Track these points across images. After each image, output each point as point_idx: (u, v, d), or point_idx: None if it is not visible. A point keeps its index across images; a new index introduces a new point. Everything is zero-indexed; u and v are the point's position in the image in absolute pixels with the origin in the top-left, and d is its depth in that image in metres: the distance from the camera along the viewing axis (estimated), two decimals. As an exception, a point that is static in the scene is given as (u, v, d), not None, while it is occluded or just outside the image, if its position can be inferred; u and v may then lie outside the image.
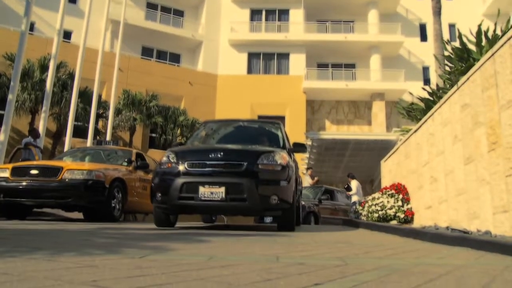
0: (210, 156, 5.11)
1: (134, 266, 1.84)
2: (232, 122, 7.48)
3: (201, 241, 3.42)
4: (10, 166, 7.28)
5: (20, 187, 6.87)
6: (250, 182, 4.85)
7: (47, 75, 13.66)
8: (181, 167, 5.03)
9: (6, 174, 6.98)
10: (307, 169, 16.04)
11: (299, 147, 6.37)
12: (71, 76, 17.01)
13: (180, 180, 4.93)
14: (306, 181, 14.77)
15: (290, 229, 5.38)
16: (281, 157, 5.21)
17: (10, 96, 10.43)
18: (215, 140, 6.67)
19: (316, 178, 14.81)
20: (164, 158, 5.30)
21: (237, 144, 5.96)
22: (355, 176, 13.39)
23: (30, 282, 1.40)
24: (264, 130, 6.92)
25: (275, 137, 6.44)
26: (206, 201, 4.84)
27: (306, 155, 20.35)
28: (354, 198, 12.63)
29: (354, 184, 12.99)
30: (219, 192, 4.82)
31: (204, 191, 4.83)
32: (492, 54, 3.89)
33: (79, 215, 8.20)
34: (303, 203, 11.26)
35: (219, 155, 5.10)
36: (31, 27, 20.48)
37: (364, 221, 7.38)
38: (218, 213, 7.68)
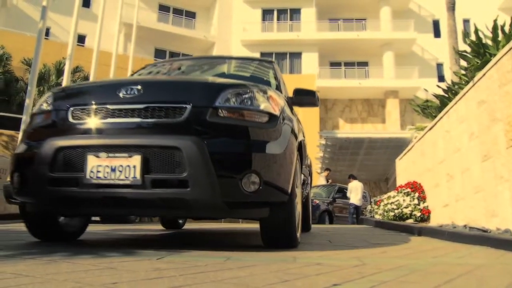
0: (118, 94, 2.56)
1: (152, 268, 1.86)
2: (192, 60, 5.14)
3: (215, 242, 3.44)
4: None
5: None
6: (198, 145, 2.33)
7: (62, 79, 13.87)
8: (60, 118, 2.62)
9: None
10: (325, 169, 15.58)
11: (305, 96, 3.66)
12: (86, 79, 17.25)
13: (52, 144, 2.47)
14: (320, 182, 14.60)
15: (288, 244, 2.85)
16: (268, 98, 2.70)
17: (27, 101, 10.61)
18: None
19: (330, 181, 14.48)
20: (37, 106, 2.86)
21: None
22: (356, 177, 13.00)
23: (52, 284, 1.42)
24: (245, 71, 4.32)
25: (262, 81, 3.79)
26: (102, 186, 2.37)
27: (321, 154, 20.24)
28: (351, 200, 12.23)
29: (350, 185, 12.53)
30: (129, 166, 2.34)
31: (98, 165, 2.36)
32: (510, 49, 3.82)
33: (95, 217, 8.29)
34: (316, 201, 11.08)
35: (135, 92, 2.55)
36: (47, 32, 20.80)
37: (380, 220, 7.32)
38: (127, 213, 4.32)
